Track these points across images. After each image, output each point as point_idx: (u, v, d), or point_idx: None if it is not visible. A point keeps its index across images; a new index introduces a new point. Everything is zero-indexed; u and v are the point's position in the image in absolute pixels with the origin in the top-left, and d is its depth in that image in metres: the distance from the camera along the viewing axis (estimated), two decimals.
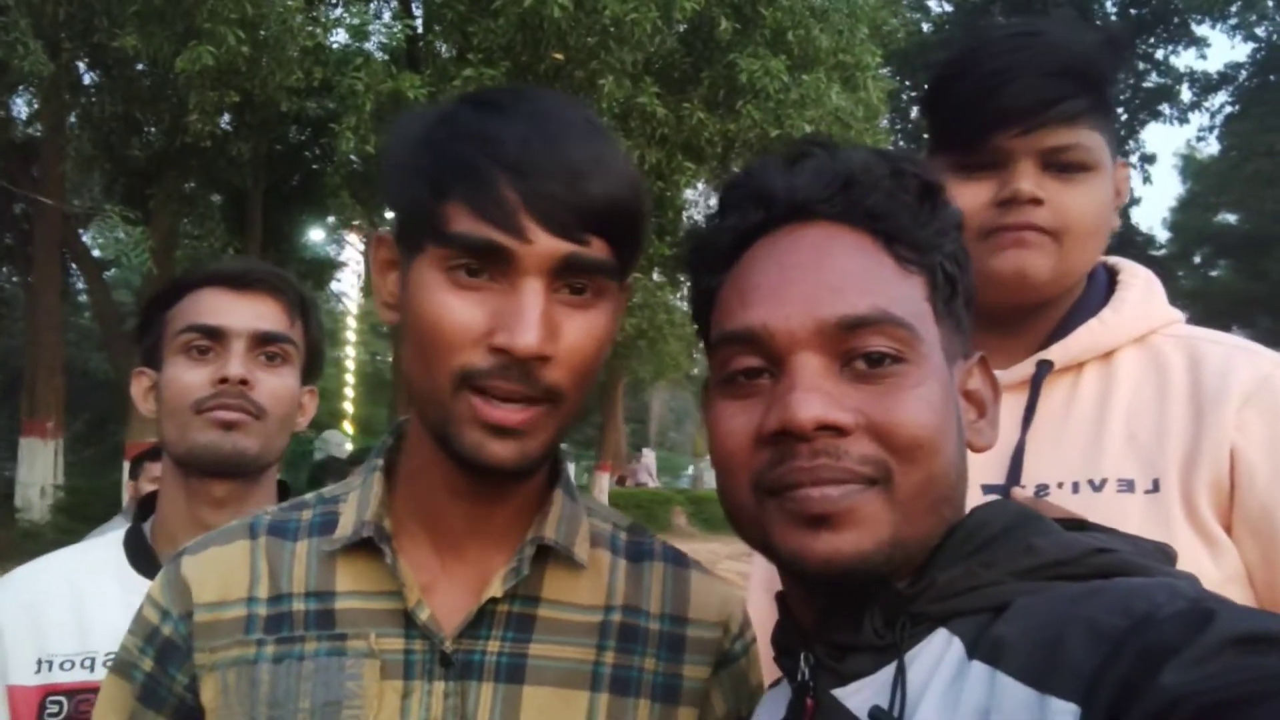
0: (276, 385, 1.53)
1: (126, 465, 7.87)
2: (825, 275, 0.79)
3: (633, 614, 1.04)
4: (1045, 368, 1.29)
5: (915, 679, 0.72)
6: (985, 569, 0.74)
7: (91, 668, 1.44)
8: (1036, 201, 1.22)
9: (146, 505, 1.63)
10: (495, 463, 0.90)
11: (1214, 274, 32.67)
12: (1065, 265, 1.26)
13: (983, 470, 1.22)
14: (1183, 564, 0.91)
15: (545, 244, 0.88)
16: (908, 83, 27.28)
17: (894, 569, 0.76)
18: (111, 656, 1.42)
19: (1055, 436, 1.26)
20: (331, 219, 21.24)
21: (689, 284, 0.94)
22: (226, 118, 12.20)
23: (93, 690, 1.42)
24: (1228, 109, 29.65)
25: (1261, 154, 26.02)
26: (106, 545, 1.58)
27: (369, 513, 1.00)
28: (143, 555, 1.54)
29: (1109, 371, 1.28)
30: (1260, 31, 28.31)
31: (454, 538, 1.02)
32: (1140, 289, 1.33)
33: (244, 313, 1.52)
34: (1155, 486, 1.19)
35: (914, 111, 29.16)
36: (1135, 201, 28.68)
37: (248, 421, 1.49)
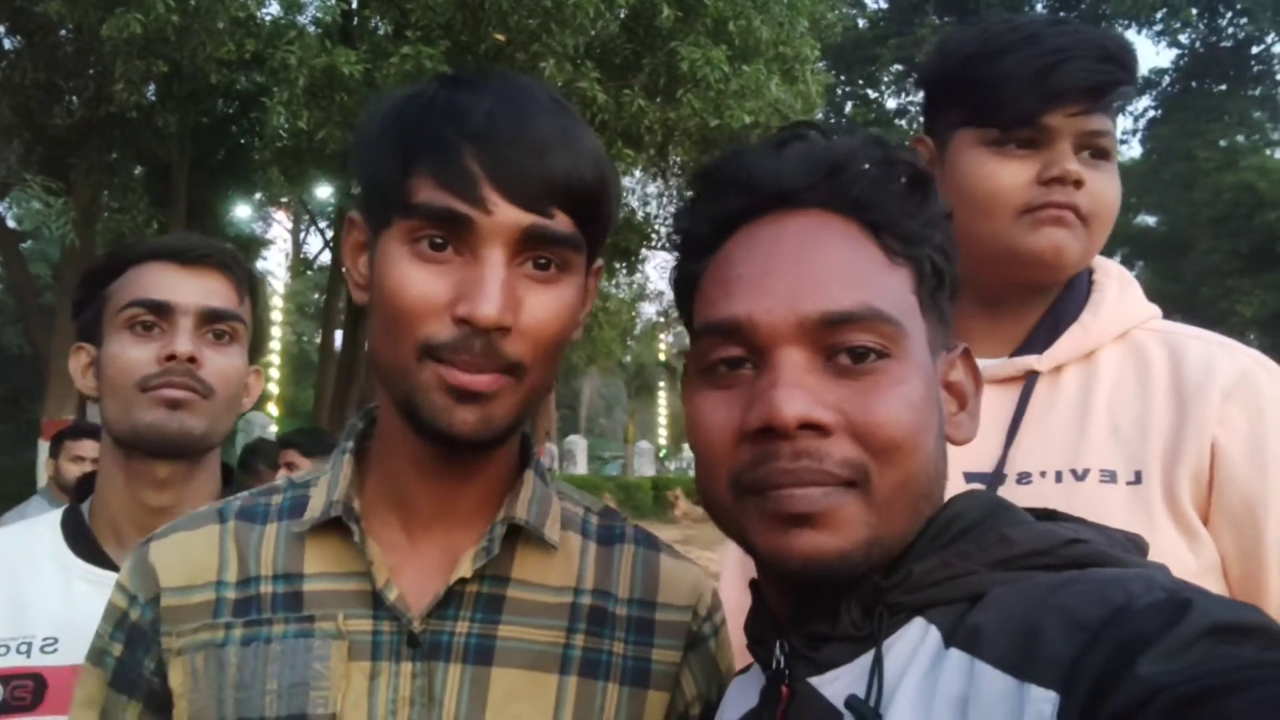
0: (224, 364, 1.48)
1: (43, 443, 7.64)
2: (810, 267, 0.77)
3: (602, 597, 1.04)
4: (1034, 378, 1.30)
5: (892, 667, 0.72)
6: (961, 559, 0.74)
7: (28, 653, 1.39)
8: (1079, 183, 1.23)
9: (84, 486, 1.57)
10: (460, 429, 0.90)
11: (1133, 274, 33.55)
12: (1089, 249, 1.28)
13: (966, 458, 1.23)
14: (1162, 554, 0.92)
15: (507, 214, 0.88)
16: (842, 77, 27.57)
17: (872, 565, 0.76)
18: (49, 642, 1.39)
19: (1038, 426, 1.27)
20: (258, 195, 20.83)
21: (672, 267, 0.93)
22: (152, 88, 11.85)
23: (29, 675, 1.37)
24: (1150, 113, 30.51)
25: (1181, 158, 26.80)
26: (42, 527, 1.52)
27: (338, 492, 0.99)
28: (81, 537, 1.48)
29: (1090, 367, 1.30)
30: (1184, 38, 29.16)
31: (423, 518, 1.01)
32: (1115, 287, 1.35)
33: (192, 289, 1.47)
34: (1137, 478, 1.21)
35: (848, 106, 29.49)
36: None
37: (195, 401, 1.44)
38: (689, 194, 0.92)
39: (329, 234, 21.33)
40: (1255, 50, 29.95)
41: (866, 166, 0.81)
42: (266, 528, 1.04)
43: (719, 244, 0.85)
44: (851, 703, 0.73)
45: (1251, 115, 29.39)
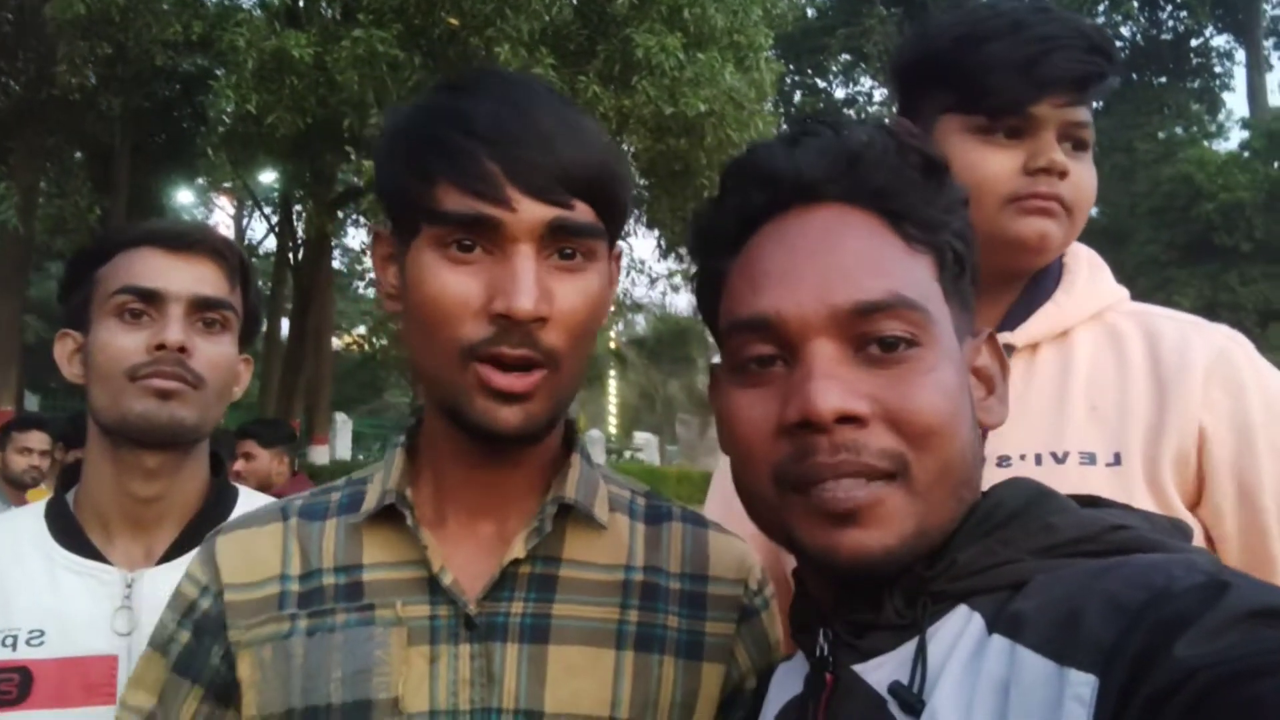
0: (215, 353, 1.46)
1: None
2: (836, 259, 0.78)
3: (654, 573, 1.06)
4: (1009, 352, 1.27)
5: (935, 655, 0.73)
6: (1004, 547, 0.75)
7: (14, 646, 1.35)
8: (1064, 174, 1.25)
9: (70, 475, 1.54)
10: (504, 428, 0.94)
11: None
12: (1070, 237, 1.30)
13: None
14: None
15: (531, 210, 0.91)
16: (791, 66, 27.69)
17: (916, 557, 0.76)
18: (35, 634, 1.36)
19: (1017, 409, 1.26)
20: (201, 180, 20.45)
21: (694, 267, 0.94)
22: (95, 70, 11.58)
23: (15, 669, 1.35)
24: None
25: (1121, 150, 27.31)
26: (26, 518, 1.49)
27: (391, 482, 1.03)
28: (67, 528, 1.45)
29: (1066, 348, 1.31)
30: (1125, 31, 29.70)
31: (473, 507, 1.04)
32: (1086, 269, 1.37)
33: (183, 276, 1.44)
34: (1117, 460, 1.22)
35: (798, 96, 29.63)
36: None
37: (185, 391, 1.41)
38: (713, 193, 0.92)
39: (274, 219, 20.99)
40: (1194, 43, 30.62)
41: (883, 156, 0.82)
42: (326, 523, 1.07)
43: (743, 241, 0.85)
44: (895, 689, 0.73)
45: (1190, 108, 30.03)
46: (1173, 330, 1.29)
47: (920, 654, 0.73)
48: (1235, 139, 28.49)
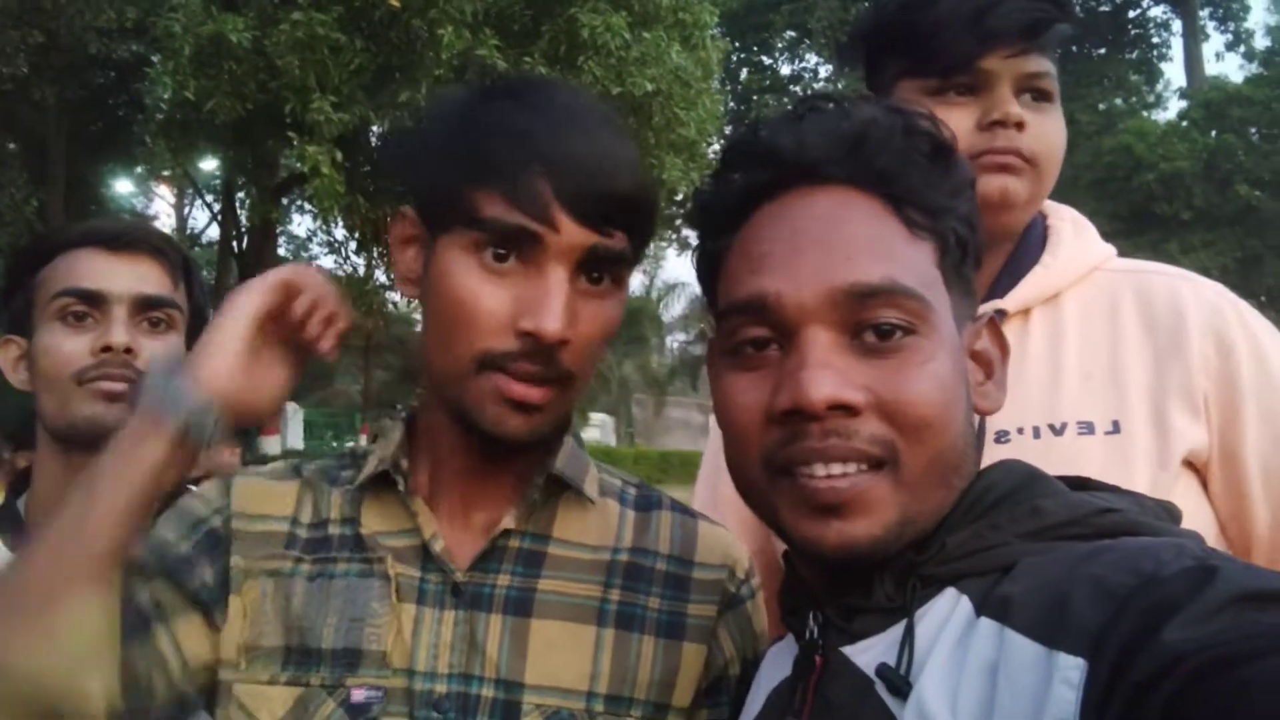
0: (162, 353, 1.45)
1: None
2: (836, 244, 0.77)
3: (640, 555, 1.08)
4: (1000, 317, 1.24)
5: (923, 637, 0.73)
6: (993, 531, 0.75)
7: None
8: (1021, 126, 1.21)
9: (21, 481, 1.52)
10: (511, 435, 0.96)
11: None
12: (1038, 192, 1.26)
13: None
14: None
15: (573, 234, 0.92)
16: (737, 44, 27.69)
17: (905, 545, 0.76)
18: None
19: (1012, 381, 1.22)
20: (140, 169, 20.07)
21: (694, 244, 0.93)
22: (28, 60, 11.29)
23: None
24: None
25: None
26: None
27: (388, 453, 1.05)
28: (17, 533, 1.43)
29: (1056, 314, 1.28)
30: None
31: (468, 492, 1.06)
32: (1070, 229, 1.34)
33: (125, 276, 1.41)
34: (1115, 428, 1.19)
35: (744, 73, 29.67)
36: None
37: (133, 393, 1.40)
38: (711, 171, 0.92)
39: (216, 207, 20.65)
40: (1132, 14, 31.07)
41: (887, 138, 0.80)
42: (335, 488, 1.09)
43: (743, 220, 0.84)
44: (883, 671, 0.73)
45: (1129, 79, 30.52)
46: (1164, 286, 1.26)
47: (908, 636, 0.73)
48: (1174, 109, 29.05)
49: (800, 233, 0.79)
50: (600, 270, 0.97)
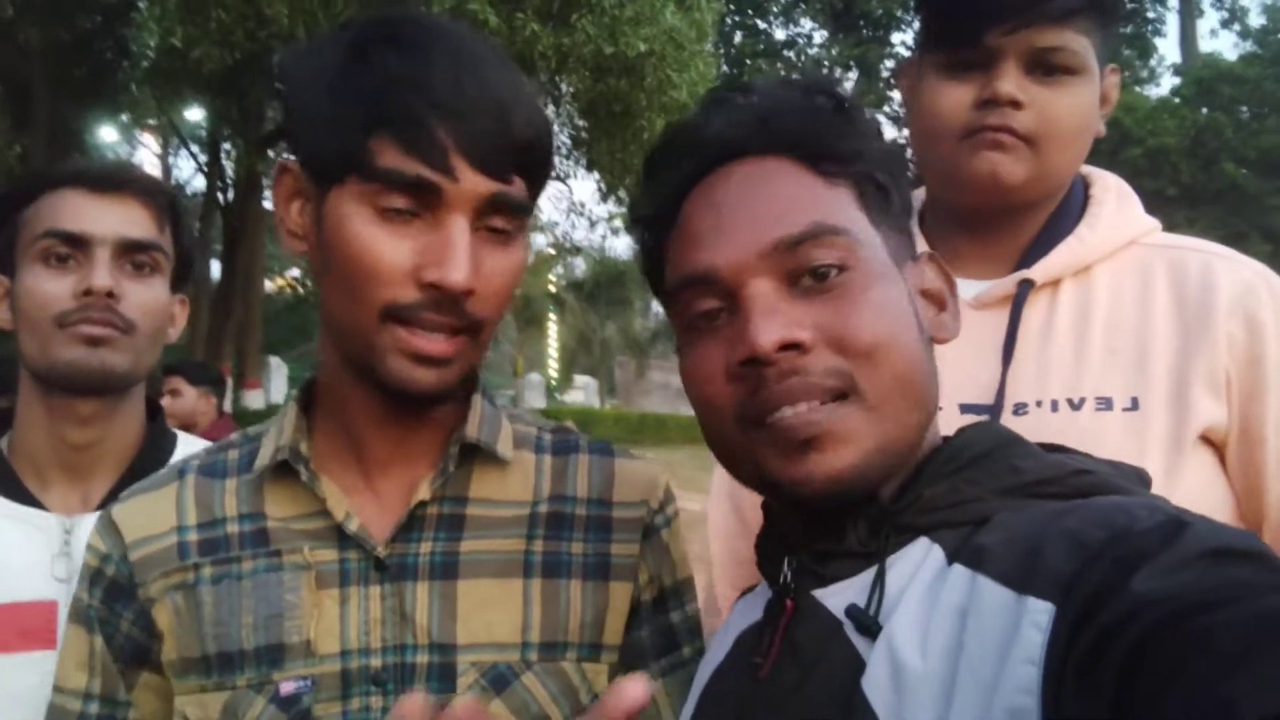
0: (146, 297, 1.43)
1: None
2: (758, 204, 0.82)
3: (559, 502, 1.09)
4: (1027, 287, 1.26)
5: (894, 582, 0.75)
6: (969, 485, 0.77)
7: None
8: (1016, 104, 1.19)
9: (3, 421, 1.51)
10: (418, 389, 0.94)
11: None
12: (1042, 170, 1.23)
13: (962, 389, 1.22)
14: (1157, 483, 0.93)
15: (474, 183, 0.91)
16: (732, 6, 27.45)
17: (885, 476, 0.79)
18: None
19: (1035, 354, 1.24)
20: (125, 117, 19.81)
21: (637, 246, 0.96)
22: (11, 2, 11.10)
23: None
24: None
25: None
26: None
27: (284, 438, 1.03)
28: (1, 474, 1.43)
29: (1087, 286, 1.26)
30: None
31: (379, 460, 1.04)
32: (1113, 200, 1.31)
33: (110, 218, 1.40)
34: (1134, 404, 1.18)
35: (738, 37, 29.41)
36: None
37: (116, 337, 1.39)
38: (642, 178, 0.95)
39: (202, 158, 20.42)
40: None
41: (792, 105, 0.86)
42: (226, 481, 1.07)
43: (676, 211, 0.88)
44: (852, 611, 0.76)
45: (1122, 54, 30.42)
46: (1198, 263, 1.23)
47: (879, 579, 0.76)
48: (1167, 85, 28.98)
49: (727, 204, 0.84)
50: (501, 218, 0.95)
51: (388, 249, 0.90)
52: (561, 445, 1.14)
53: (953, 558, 0.73)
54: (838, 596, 0.79)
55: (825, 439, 0.76)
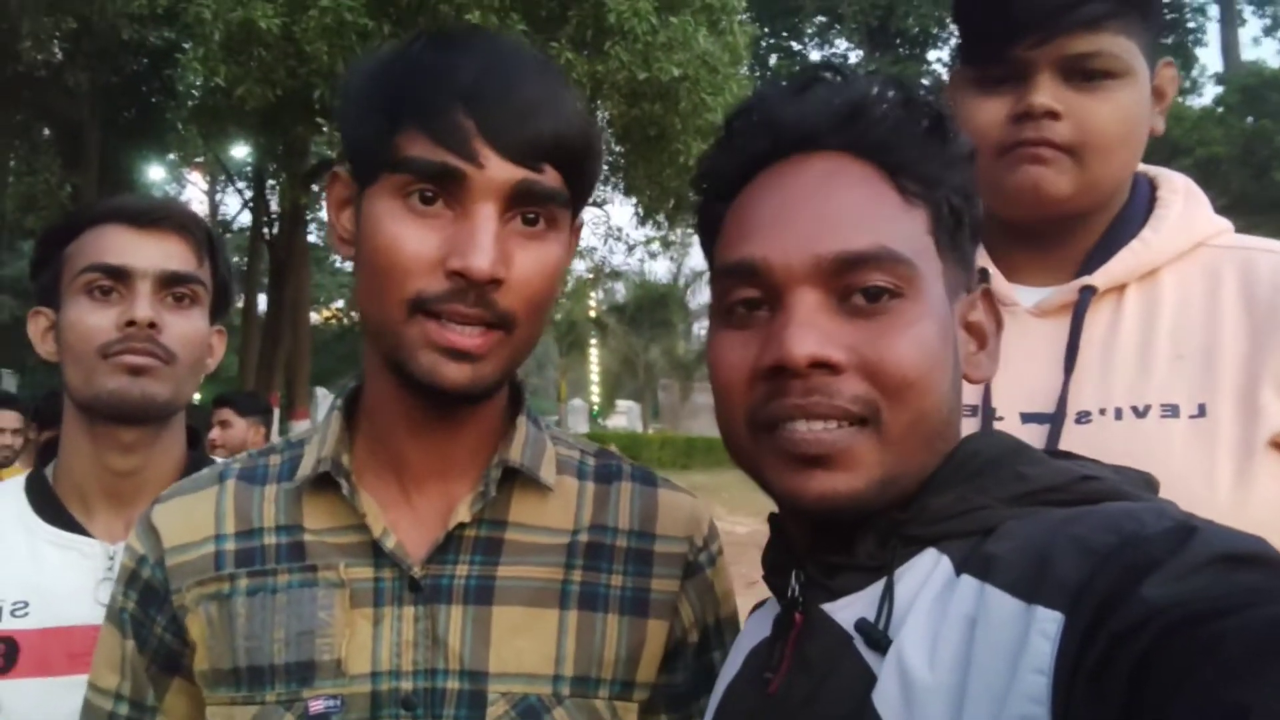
0: (186, 328, 1.47)
1: None
2: (826, 209, 0.78)
3: (600, 533, 1.06)
4: (1089, 294, 1.22)
5: (903, 594, 0.74)
6: (976, 494, 0.76)
7: None
8: (1053, 115, 1.17)
9: (48, 451, 1.56)
10: (449, 385, 0.92)
11: None
12: (1089, 179, 1.19)
13: (1022, 398, 1.21)
14: (1224, 492, 0.89)
15: (499, 169, 0.90)
16: (766, 29, 27.53)
17: (888, 503, 0.77)
18: (19, 606, 1.39)
19: (1098, 362, 1.21)
20: (172, 155, 20.24)
21: (696, 211, 0.93)
22: (61, 46, 11.44)
23: (0, 639, 1.37)
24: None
25: None
26: (6, 493, 1.50)
27: (326, 449, 1.02)
28: (47, 502, 1.47)
29: (1153, 291, 1.22)
30: None
31: (417, 473, 1.03)
32: (1181, 203, 1.26)
33: (150, 252, 1.45)
34: (1201, 411, 1.14)
35: (773, 59, 29.48)
36: None
37: (157, 367, 1.43)
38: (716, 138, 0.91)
39: (248, 194, 20.81)
40: (1167, 0, 30.58)
41: (886, 108, 0.81)
42: (266, 488, 1.06)
43: (742, 186, 0.85)
44: (861, 626, 0.74)
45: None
46: (1269, 264, 1.18)
47: (888, 593, 0.74)
48: (1209, 94, 28.60)
49: (792, 199, 0.80)
50: (534, 210, 0.93)
51: (415, 239, 0.90)
52: (604, 471, 1.12)
53: (961, 568, 0.72)
54: (847, 610, 0.78)
55: (833, 459, 0.75)
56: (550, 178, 0.93)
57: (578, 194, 0.98)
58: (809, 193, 0.80)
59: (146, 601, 1.06)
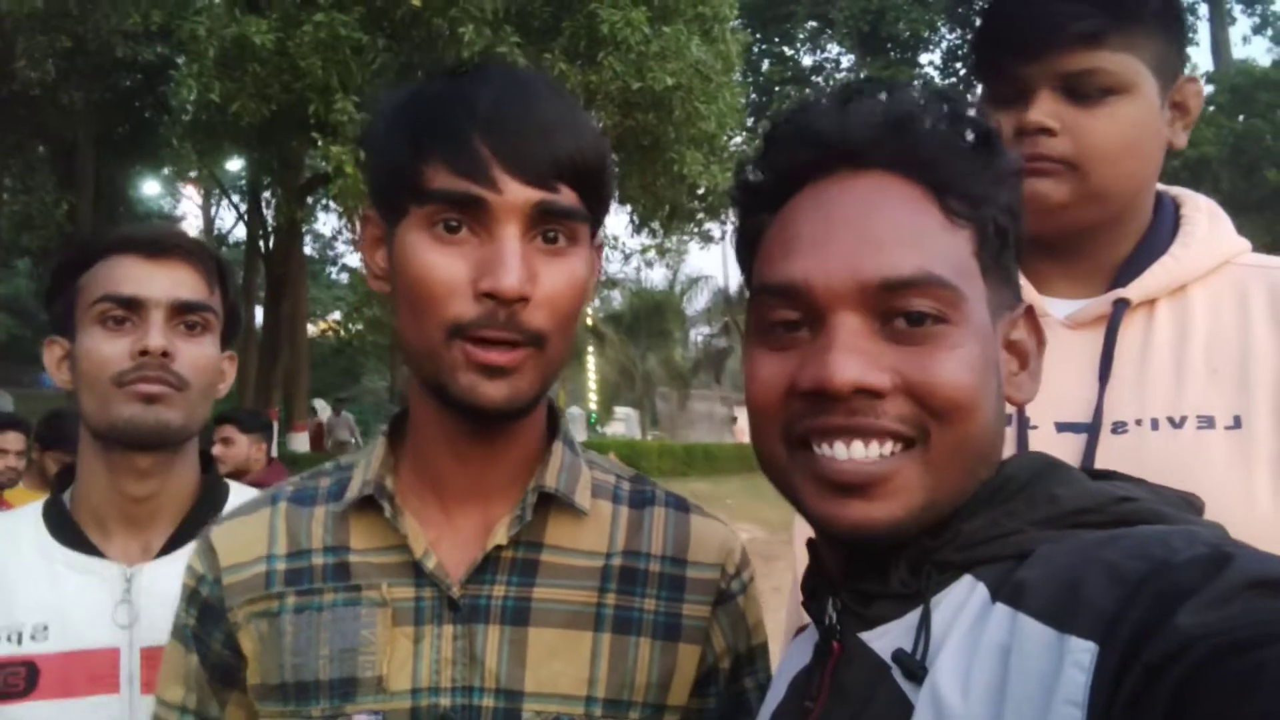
0: (198, 355, 1.50)
1: None
2: (870, 231, 0.77)
3: (633, 557, 1.09)
4: (1123, 306, 1.25)
5: (939, 623, 0.73)
6: (1009, 518, 0.75)
7: (18, 641, 1.40)
8: (1048, 131, 1.20)
9: (65, 477, 1.59)
10: (488, 402, 0.96)
11: None
12: (1090, 189, 1.22)
13: (1057, 409, 1.22)
14: (1263, 503, 0.88)
15: (517, 192, 0.94)
16: (758, 35, 27.59)
17: (924, 529, 0.76)
18: (39, 630, 1.42)
19: (1133, 373, 1.23)
20: (167, 170, 20.26)
21: (734, 221, 0.92)
22: (55, 64, 11.46)
23: (21, 663, 1.40)
24: None
25: None
26: (23, 517, 1.54)
27: (371, 473, 1.06)
28: (64, 526, 1.50)
29: (1184, 306, 1.25)
30: None
31: (458, 495, 1.07)
32: (1205, 220, 1.30)
33: (162, 282, 1.48)
34: (1237, 423, 1.16)
35: (765, 65, 29.55)
36: None
37: (170, 394, 1.46)
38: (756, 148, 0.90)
39: (243, 208, 20.83)
40: None
41: (931, 124, 0.80)
42: (315, 509, 1.11)
43: (783, 201, 0.84)
44: (898, 656, 0.74)
45: None
46: None
47: (924, 622, 0.74)
48: None
49: (836, 218, 0.79)
50: (554, 228, 0.97)
51: (444, 266, 0.94)
52: (639, 497, 1.15)
53: (995, 595, 0.70)
54: (883, 639, 0.77)
55: (874, 487, 0.75)
56: (566, 196, 0.97)
57: (595, 210, 1.02)
58: (852, 214, 0.79)
59: (205, 618, 1.11)
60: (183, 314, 1.49)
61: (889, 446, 0.75)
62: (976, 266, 0.79)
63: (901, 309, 0.75)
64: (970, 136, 0.81)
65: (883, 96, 0.82)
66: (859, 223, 0.78)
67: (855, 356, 0.74)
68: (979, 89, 1.36)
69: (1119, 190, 1.25)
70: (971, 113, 0.82)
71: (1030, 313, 0.87)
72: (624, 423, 30.39)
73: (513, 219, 0.95)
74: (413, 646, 1.02)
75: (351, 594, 1.04)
